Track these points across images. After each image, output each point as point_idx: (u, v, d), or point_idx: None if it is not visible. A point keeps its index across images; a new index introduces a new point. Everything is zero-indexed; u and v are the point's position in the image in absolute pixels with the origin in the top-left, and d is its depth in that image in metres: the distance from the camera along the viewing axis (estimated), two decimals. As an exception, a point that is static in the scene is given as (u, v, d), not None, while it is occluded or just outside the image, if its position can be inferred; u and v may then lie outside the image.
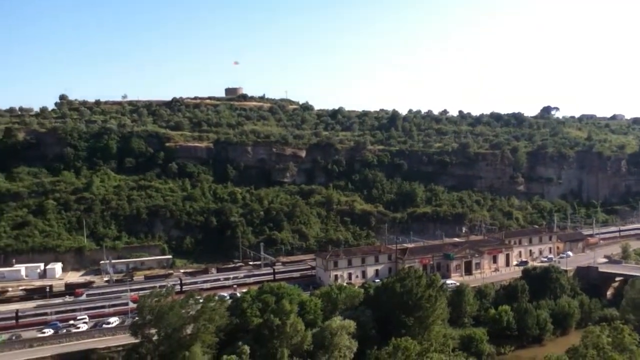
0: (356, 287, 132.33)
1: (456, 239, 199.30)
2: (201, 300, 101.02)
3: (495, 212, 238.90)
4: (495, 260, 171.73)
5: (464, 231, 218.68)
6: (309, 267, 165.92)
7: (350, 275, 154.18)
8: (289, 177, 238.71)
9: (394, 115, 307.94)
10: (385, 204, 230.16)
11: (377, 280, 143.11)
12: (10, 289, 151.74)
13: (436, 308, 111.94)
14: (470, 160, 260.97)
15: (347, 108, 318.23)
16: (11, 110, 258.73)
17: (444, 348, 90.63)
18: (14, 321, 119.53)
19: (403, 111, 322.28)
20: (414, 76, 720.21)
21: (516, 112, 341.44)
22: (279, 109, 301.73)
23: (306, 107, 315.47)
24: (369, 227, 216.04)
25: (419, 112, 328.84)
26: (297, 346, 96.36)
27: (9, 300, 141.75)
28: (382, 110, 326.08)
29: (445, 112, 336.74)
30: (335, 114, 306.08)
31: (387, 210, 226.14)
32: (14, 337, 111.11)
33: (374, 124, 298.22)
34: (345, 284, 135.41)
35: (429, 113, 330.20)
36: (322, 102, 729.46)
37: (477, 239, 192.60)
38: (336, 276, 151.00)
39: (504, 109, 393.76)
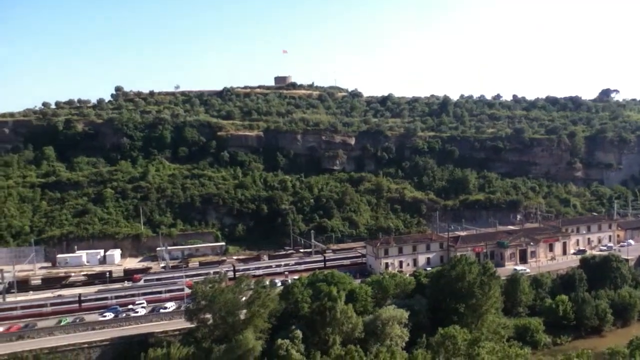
0: (407, 275, 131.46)
1: (510, 227, 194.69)
2: (252, 286, 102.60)
3: (552, 199, 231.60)
4: (551, 248, 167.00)
5: (518, 219, 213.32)
6: (359, 254, 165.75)
7: (401, 263, 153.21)
8: (338, 164, 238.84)
9: (445, 101, 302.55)
10: (436, 192, 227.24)
11: (428, 269, 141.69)
12: (73, 274, 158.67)
13: (490, 296, 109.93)
14: (525, 146, 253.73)
15: (397, 94, 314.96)
16: (70, 103, 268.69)
17: (497, 337, 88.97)
18: (77, 305, 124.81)
19: (454, 96, 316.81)
20: (465, 60, 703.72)
21: (573, 95, 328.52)
22: (328, 96, 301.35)
23: (355, 94, 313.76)
24: (420, 214, 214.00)
25: (470, 97, 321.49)
26: (348, 333, 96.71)
27: (72, 284, 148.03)
28: (432, 96, 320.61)
29: (498, 96, 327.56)
30: (384, 100, 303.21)
31: (438, 197, 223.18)
32: (77, 320, 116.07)
33: (424, 110, 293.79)
34: (396, 272, 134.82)
35: (482, 98, 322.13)
36: (372, 88, 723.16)
37: (533, 227, 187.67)
38: (387, 264, 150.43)
39: (560, 93, 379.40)
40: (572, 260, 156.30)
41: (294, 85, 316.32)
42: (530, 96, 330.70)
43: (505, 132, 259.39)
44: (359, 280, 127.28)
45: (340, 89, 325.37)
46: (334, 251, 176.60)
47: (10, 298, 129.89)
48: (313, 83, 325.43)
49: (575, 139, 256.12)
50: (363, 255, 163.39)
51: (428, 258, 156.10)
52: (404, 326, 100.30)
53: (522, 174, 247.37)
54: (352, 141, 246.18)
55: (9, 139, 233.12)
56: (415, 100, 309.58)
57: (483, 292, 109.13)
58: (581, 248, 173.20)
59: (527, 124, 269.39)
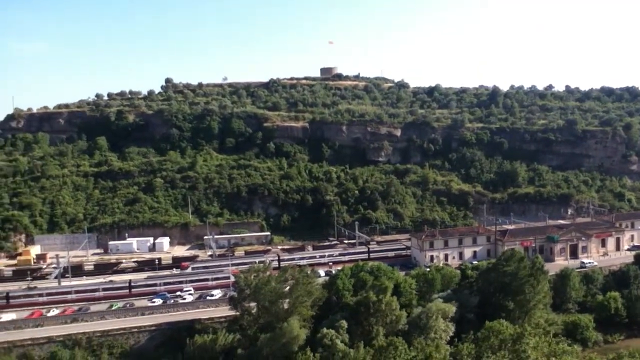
0: (453, 268, 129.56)
1: (561, 221, 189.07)
2: (296, 275, 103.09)
3: (605, 193, 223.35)
4: (604, 244, 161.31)
5: (569, 213, 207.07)
6: (404, 247, 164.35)
7: (446, 256, 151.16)
8: (383, 156, 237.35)
9: (494, 92, 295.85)
10: (484, 184, 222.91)
11: (474, 262, 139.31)
12: (124, 260, 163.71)
13: (538, 292, 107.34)
14: (578, 138, 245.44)
15: (445, 85, 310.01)
16: (122, 94, 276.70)
17: (543, 332, 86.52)
18: (127, 290, 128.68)
19: (504, 87, 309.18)
20: (515, 50, 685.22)
21: (630, 85, 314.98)
22: (373, 87, 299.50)
23: (402, 85, 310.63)
24: (467, 207, 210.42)
25: (521, 87, 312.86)
26: (391, 325, 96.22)
27: (123, 271, 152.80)
28: (481, 86, 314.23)
29: (550, 87, 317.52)
30: (432, 91, 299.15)
31: (486, 190, 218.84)
32: (127, 305, 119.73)
33: (472, 101, 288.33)
34: (442, 265, 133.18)
35: (533, 88, 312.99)
36: (418, 79, 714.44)
37: (584, 222, 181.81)
38: (432, 257, 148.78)
39: (616, 83, 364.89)
40: (626, 257, 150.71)
41: (339, 76, 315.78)
42: (584, 87, 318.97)
43: (557, 123, 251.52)
44: (403, 273, 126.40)
45: (386, 80, 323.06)
46: (378, 243, 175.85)
47: (65, 282, 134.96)
48: (359, 74, 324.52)
49: (631, 131, 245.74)
50: (408, 248, 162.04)
51: (474, 251, 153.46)
52: (449, 320, 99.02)
53: (574, 167, 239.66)
54: (398, 132, 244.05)
55: (64, 130, 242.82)
56: (463, 91, 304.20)
57: (532, 288, 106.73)
58: (636, 244, 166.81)
59: (580, 116, 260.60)
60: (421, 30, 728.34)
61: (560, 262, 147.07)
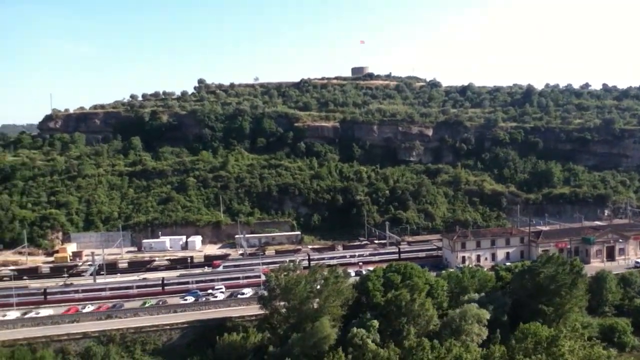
0: (485, 269, 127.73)
1: (597, 223, 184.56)
2: (326, 275, 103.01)
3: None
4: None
5: (606, 214, 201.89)
6: (435, 247, 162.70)
7: (478, 257, 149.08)
8: (415, 155, 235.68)
9: (528, 90, 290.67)
10: (517, 184, 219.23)
11: (507, 264, 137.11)
12: (157, 258, 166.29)
13: (575, 295, 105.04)
14: (615, 138, 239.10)
15: (478, 84, 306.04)
16: (156, 95, 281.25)
17: (578, 336, 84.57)
18: (160, 288, 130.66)
19: (539, 86, 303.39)
20: (550, 47, 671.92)
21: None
22: (405, 86, 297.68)
23: (434, 84, 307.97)
24: (500, 208, 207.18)
25: (556, 86, 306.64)
26: (422, 326, 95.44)
27: (156, 268, 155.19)
28: (515, 85, 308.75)
29: (587, 85, 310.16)
30: (464, 90, 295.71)
31: (520, 190, 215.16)
32: (160, 302, 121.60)
33: (506, 100, 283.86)
34: (473, 266, 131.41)
35: (569, 87, 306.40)
36: (451, 78, 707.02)
37: (622, 223, 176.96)
38: (463, 258, 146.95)
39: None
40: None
41: (370, 76, 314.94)
42: (622, 85, 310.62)
43: (593, 122, 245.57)
44: (434, 274, 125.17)
45: (418, 79, 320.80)
46: (409, 243, 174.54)
47: (100, 280, 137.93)
48: (390, 73, 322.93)
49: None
50: (439, 248, 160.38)
51: (507, 253, 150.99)
52: (483, 325, 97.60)
53: (611, 167, 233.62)
54: (430, 132, 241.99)
55: (99, 130, 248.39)
56: (496, 89, 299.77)
57: (569, 291, 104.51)
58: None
59: (617, 114, 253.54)
60: (454, 29, 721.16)
61: (596, 264, 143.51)
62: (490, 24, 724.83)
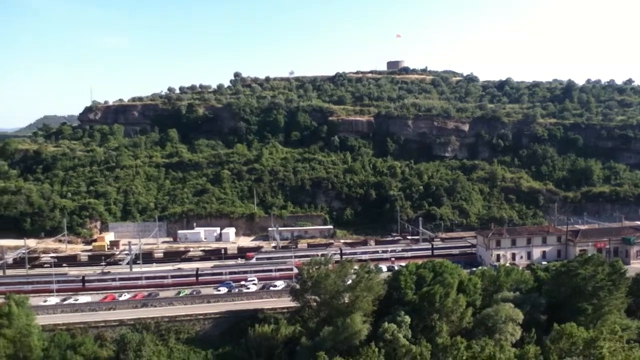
0: (520, 268, 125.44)
1: (638, 223, 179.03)
2: (356, 270, 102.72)
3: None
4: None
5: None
6: (469, 244, 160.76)
7: (513, 255, 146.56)
8: (450, 151, 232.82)
9: (569, 86, 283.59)
10: (555, 182, 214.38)
11: (544, 263, 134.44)
12: (191, 249, 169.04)
13: (615, 297, 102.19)
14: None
15: (516, 79, 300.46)
16: (192, 88, 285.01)
17: (617, 338, 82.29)
18: (194, 278, 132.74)
19: (580, 81, 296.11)
20: (592, 42, 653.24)
21: None
22: (441, 81, 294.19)
23: (471, 79, 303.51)
24: (537, 206, 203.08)
25: (598, 82, 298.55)
26: (455, 323, 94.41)
27: (190, 259, 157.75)
28: (555, 80, 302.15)
29: (630, 81, 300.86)
30: (502, 85, 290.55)
31: (558, 188, 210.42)
32: (194, 292, 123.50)
33: (545, 96, 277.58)
34: (508, 265, 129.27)
35: (611, 83, 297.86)
36: (489, 73, 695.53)
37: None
38: (498, 256, 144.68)
39: None
40: None
41: (406, 70, 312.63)
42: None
43: (636, 119, 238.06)
44: (467, 271, 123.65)
45: (454, 74, 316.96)
46: (442, 240, 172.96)
47: (136, 269, 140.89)
48: (426, 67, 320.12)
49: None
50: (473, 246, 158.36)
51: (544, 251, 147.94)
52: (517, 324, 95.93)
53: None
54: (466, 127, 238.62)
55: (137, 122, 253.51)
56: (535, 84, 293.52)
57: (608, 292, 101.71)
58: None
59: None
60: (492, 23, 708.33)
61: (637, 265, 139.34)
62: (531, 18, 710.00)
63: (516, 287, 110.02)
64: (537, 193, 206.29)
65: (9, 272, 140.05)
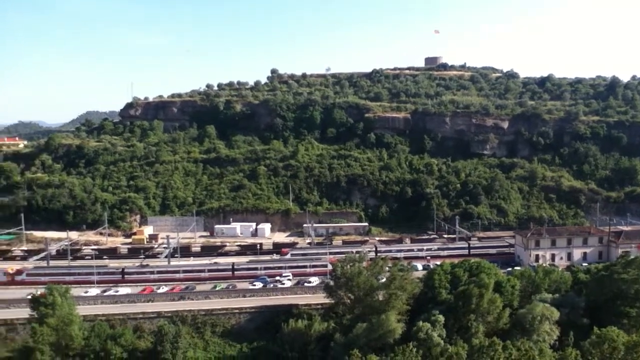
0: (560, 269, 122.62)
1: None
2: (389, 268, 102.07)
3: None
4: None
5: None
6: (507, 244, 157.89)
7: (553, 256, 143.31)
8: (488, 149, 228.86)
9: (613, 82, 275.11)
10: (597, 181, 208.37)
11: (584, 264, 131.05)
12: (228, 244, 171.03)
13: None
14: None
15: (558, 75, 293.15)
16: (230, 85, 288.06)
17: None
18: (230, 272, 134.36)
19: (625, 77, 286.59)
20: (638, 37, 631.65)
21: None
22: (480, 77, 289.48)
23: (511, 75, 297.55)
24: (578, 205, 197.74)
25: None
26: (491, 323, 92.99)
27: (227, 254, 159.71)
28: (598, 77, 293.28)
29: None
30: (543, 81, 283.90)
31: (600, 188, 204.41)
32: (230, 287, 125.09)
33: (588, 92, 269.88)
34: (549, 266, 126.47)
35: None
36: (529, 69, 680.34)
37: None
38: (537, 256, 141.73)
39: None
40: None
41: (444, 66, 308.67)
42: None
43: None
44: (504, 271, 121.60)
45: (494, 70, 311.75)
46: (479, 239, 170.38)
47: (174, 262, 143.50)
48: (465, 64, 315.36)
49: None
50: (511, 245, 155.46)
51: (584, 253, 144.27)
52: (553, 323, 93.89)
53: None
54: (505, 125, 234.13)
55: (177, 118, 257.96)
56: (578, 81, 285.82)
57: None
58: None
59: None
60: (533, 19, 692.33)
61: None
62: (575, 13, 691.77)
63: (555, 289, 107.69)
64: (578, 192, 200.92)
65: (52, 263, 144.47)
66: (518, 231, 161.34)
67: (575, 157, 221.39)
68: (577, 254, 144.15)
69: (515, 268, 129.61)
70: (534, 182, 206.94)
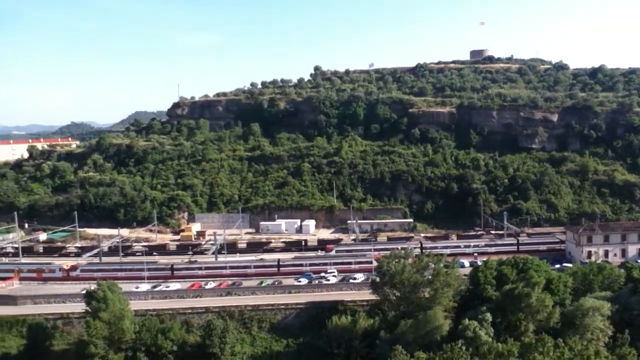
0: (614, 266, 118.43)
1: None
2: (434, 264, 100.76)
3: None
4: None
5: None
6: (558, 240, 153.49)
7: (606, 252, 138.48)
8: (537, 143, 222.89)
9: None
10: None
11: (639, 261, 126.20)
12: (273, 240, 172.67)
13: None
14: None
15: (610, 65, 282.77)
16: (274, 82, 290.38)
17: None
18: (276, 269, 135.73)
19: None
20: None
21: None
22: (528, 69, 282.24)
23: (560, 67, 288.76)
24: (632, 200, 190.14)
25: None
26: (541, 322, 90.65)
27: (272, 250, 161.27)
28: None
29: None
30: (594, 72, 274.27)
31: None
32: (276, 283, 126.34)
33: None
34: (602, 263, 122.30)
35: None
36: (580, 60, 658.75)
37: None
38: (589, 253, 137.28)
39: None
40: None
41: (490, 59, 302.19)
42: None
43: None
44: (556, 267, 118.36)
45: (542, 61, 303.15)
46: (528, 235, 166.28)
47: (221, 258, 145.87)
48: (512, 56, 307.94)
49: None
50: (562, 242, 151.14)
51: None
52: (607, 320, 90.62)
53: None
54: (555, 118, 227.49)
55: (222, 116, 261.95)
56: (632, 71, 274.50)
57: None
58: None
59: None
60: (583, 6, 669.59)
61: None
62: (626, 1, 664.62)
63: (608, 286, 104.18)
64: (633, 187, 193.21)
65: (104, 259, 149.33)
66: (569, 227, 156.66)
67: (629, 150, 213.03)
68: (632, 250, 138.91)
69: (566, 265, 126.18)
70: (585, 176, 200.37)
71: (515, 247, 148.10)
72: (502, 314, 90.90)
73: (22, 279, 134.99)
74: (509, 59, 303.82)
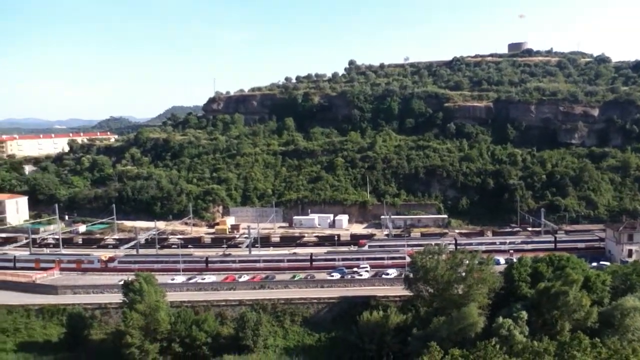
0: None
1: None
2: (467, 261, 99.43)
3: None
4: None
5: None
6: (597, 238, 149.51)
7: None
8: (577, 138, 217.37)
9: None
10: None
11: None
12: (306, 234, 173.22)
13: None
14: None
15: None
16: (308, 77, 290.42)
17: None
18: (308, 263, 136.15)
19: None
20: None
21: None
22: (568, 63, 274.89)
23: (602, 60, 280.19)
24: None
25: None
26: (579, 321, 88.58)
27: (305, 244, 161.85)
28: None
29: None
30: (638, 65, 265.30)
31: None
32: (308, 277, 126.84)
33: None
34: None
35: None
36: (623, 53, 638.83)
37: None
38: (630, 251, 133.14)
39: None
40: None
41: (529, 52, 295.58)
42: None
43: None
44: (594, 264, 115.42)
45: (583, 55, 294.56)
46: (566, 232, 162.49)
47: (254, 252, 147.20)
48: (551, 49, 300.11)
49: None
50: (601, 240, 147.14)
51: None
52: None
53: None
54: (595, 112, 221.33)
55: (256, 111, 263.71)
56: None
57: None
58: None
59: None
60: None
61: None
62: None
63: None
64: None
65: (141, 251, 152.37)
66: (609, 224, 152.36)
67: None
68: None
69: (605, 263, 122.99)
70: (627, 172, 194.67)
71: (553, 244, 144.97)
72: (538, 313, 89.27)
73: (62, 269, 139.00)
74: (549, 52, 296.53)
